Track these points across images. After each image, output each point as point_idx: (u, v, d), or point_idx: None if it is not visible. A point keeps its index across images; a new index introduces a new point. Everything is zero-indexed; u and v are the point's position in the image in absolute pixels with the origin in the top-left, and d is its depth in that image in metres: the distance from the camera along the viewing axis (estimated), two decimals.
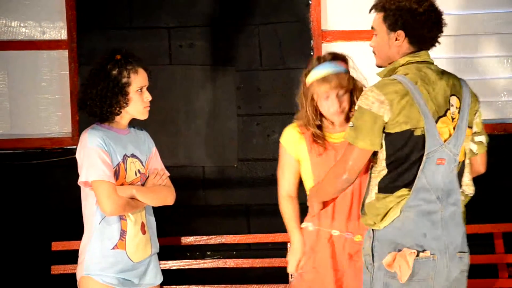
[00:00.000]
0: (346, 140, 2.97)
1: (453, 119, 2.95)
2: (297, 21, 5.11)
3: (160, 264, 3.47)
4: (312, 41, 5.11)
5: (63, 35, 5.24)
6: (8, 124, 5.31)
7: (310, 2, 5.11)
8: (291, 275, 3.51)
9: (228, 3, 5.13)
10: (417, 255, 2.89)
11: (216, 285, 4.56)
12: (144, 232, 3.32)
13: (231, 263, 4.57)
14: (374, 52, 3.09)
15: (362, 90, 3.37)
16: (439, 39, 3.03)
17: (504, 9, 5.17)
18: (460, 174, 3.01)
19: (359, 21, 5.07)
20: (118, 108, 3.26)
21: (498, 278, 4.56)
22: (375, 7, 3.04)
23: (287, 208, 3.49)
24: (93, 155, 3.18)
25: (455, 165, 2.97)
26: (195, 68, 5.15)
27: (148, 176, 3.38)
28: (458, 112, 2.97)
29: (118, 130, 3.32)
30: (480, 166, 3.16)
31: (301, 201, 3.50)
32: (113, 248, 3.24)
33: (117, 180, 3.24)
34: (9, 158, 5.20)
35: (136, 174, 3.33)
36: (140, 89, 3.29)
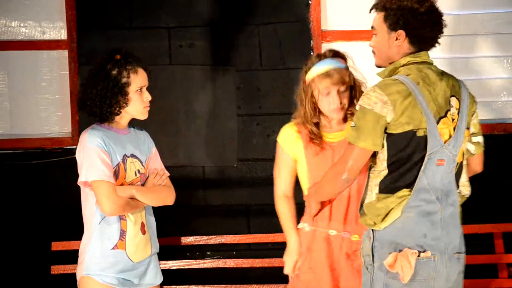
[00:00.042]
0: (347, 140, 2.96)
1: (453, 120, 2.96)
2: (297, 21, 5.11)
3: (160, 264, 3.47)
4: (312, 41, 5.11)
5: (63, 35, 5.24)
6: (8, 124, 5.31)
7: (310, 2, 5.11)
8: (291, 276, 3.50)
9: (228, 3, 5.13)
10: (418, 256, 2.89)
11: (216, 285, 4.56)
12: (144, 232, 3.32)
13: (231, 263, 4.57)
14: (373, 52, 3.08)
15: (361, 88, 3.38)
16: (439, 40, 3.03)
17: (503, 9, 5.17)
18: (457, 175, 3.02)
19: (359, 21, 5.07)
20: (117, 108, 3.26)
21: (498, 278, 4.56)
22: (376, 6, 3.04)
23: (283, 208, 3.49)
24: (93, 155, 3.18)
25: (454, 166, 2.97)
26: (195, 68, 5.15)
27: (148, 176, 3.38)
28: (458, 113, 2.98)
29: (118, 130, 3.32)
30: (477, 166, 3.16)
31: (298, 200, 3.50)
32: (113, 248, 3.24)
33: (117, 180, 3.24)
34: (9, 158, 5.20)
35: (135, 174, 3.32)
36: (140, 89, 3.29)
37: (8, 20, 5.27)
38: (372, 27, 3.05)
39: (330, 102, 3.33)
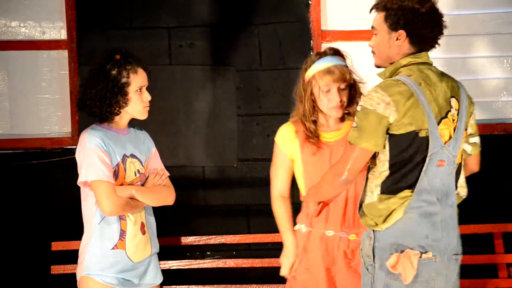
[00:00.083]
0: (348, 141, 2.96)
1: (453, 120, 2.96)
2: (297, 21, 5.11)
3: (160, 264, 3.47)
4: (312, 41, 5.11)
5: (63, 35, 5.24)
6: (8, 124, 5.31)
7: (310, 2, 5.11)
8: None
9: (228, 3, 5.12)
10: (420, 257, 2.89)
11: (216, 285, 4.56)
12: (144, 232, 3.32)
13: (231, 263, 4.57)
14: (373, 52, 3.08)
15: (359, 88, 3.37)
16: (439, 41, 3.03)
17: (503, 9, 5.17)
18: (456, 176, 3.02)
19: (359, 21, 5.07)
20: (117, 108, 3.26)
21: (497, 278, 4.56)
22: (376, 6, 3.03)
23: (280, 208, 3.48)
24: (92, 155, 3.18)
25: (454, 167, 2.97)
26: (195, 68, 5.15)
27: (147, 176, 3.38)
28: (457, 114, 2.97)
29: (117, 130, 3.32)
30: (474, 166, 3.17)
31: (294, 200, 3.50)
32: (113, 248, 3.24)
33: (117, 180, 3.24)
34: (9, 158, 5.20)
35: (135, 174, 3.32)
36: (140, 89, 3.29)
37: (8, 20, 5.27)
38: (372, 27, 3.05)
39: (329, 100, 3.32)
